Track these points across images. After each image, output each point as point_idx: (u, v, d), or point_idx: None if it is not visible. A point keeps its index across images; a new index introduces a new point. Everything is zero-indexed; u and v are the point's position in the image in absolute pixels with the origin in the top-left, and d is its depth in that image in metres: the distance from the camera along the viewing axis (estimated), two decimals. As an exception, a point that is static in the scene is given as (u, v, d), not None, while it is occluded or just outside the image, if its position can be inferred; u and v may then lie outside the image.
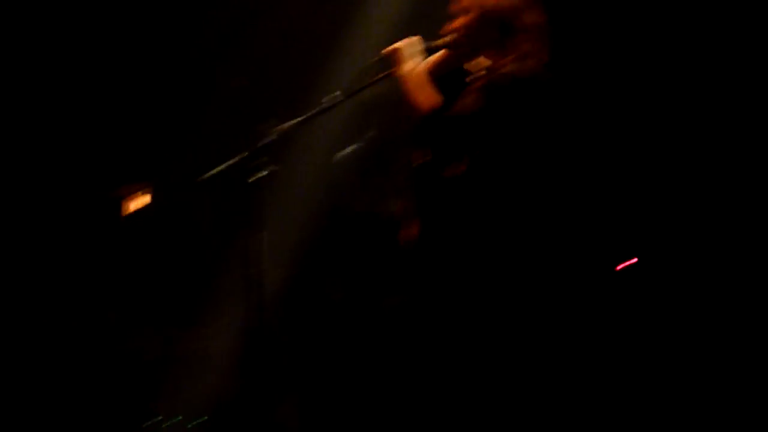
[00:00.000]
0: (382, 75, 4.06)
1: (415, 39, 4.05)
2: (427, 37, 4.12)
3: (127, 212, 8.08)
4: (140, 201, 8.23)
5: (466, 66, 4.06)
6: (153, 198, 8.15)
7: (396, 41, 4.06)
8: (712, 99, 6.25)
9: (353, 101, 4.18)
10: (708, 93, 6.26)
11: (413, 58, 4.00)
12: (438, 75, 4.01)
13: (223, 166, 4.10)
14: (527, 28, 3.92)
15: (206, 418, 6.96)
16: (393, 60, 4.01)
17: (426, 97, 3.88)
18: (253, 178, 4.04)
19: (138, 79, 7.69)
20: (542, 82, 3.82)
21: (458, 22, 4.03)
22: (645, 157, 6.42)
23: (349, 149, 5.49)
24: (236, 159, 4.11)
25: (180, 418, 6.96)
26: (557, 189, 3.86)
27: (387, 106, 5.01)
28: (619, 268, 6.41)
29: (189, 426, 6.94)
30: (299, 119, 4.13)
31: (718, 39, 6.21)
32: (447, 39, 4.06)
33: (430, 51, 4.06)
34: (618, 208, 6.45)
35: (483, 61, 4.01)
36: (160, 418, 6.94)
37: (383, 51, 4.05)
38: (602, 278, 6.30)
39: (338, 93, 4.10)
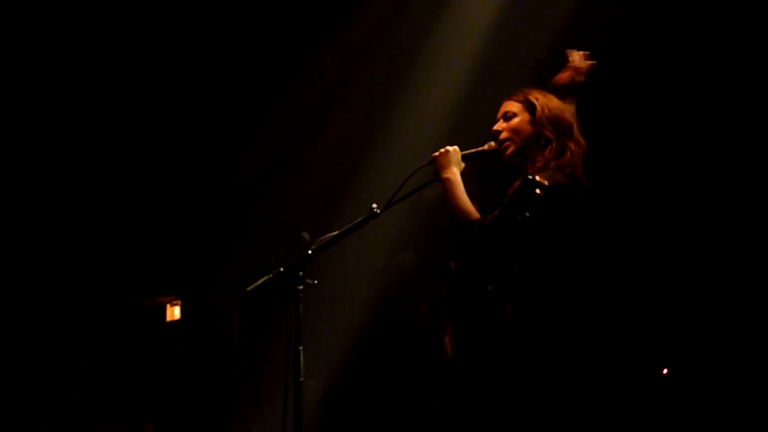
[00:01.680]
0: (430, 180, 4.08)
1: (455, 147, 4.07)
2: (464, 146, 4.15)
3: (167, 320, 8.14)
4: (172, 312, 8.29)
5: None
6: (185, 309, 8.20)
7: (438, 148, 4.08)
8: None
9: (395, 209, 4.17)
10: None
11: (458, 164, 4.03)
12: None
13: (262, 280, 4.10)
14: (575, 138, 4.00)
15: None
16: (441, 164, 4.03)
17: (469, 204, 3.92)
18: (292, 292, 4.06)
19: (175, 193, 7.84)
20: (583, 194, 3.85)
21: (505, 125, 4.08)
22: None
23: (406, 254, 5.48)
24: (274, 272, 4.11)
25: None
26: (591, 308, 3.86)
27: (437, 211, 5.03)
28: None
29: None
30: (336, 232, 4.13)
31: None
32: (491, 144, 4.10)
33: (468, 158, 4.09)
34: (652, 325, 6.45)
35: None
36: None
37: (434, 154, 4.06)
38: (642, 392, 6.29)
39: (374, 205, 4.08)
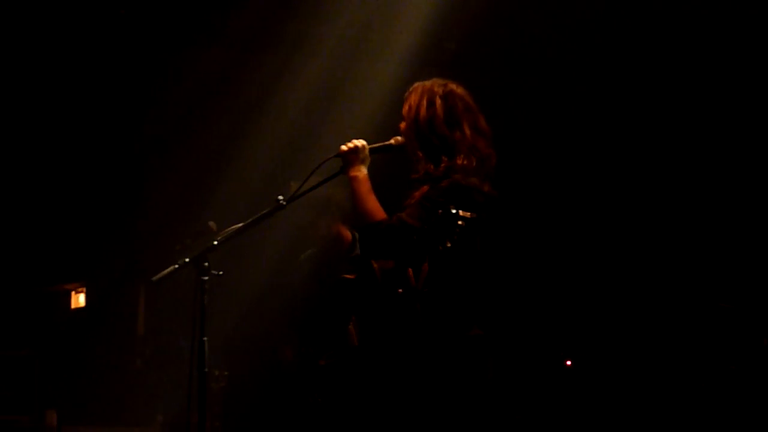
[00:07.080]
0: (336, 173, 4.02)
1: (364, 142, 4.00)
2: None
3: (72, 307, 8.09)
4: (77, 299, 8.24)
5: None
6: (89, 296, 8.15)
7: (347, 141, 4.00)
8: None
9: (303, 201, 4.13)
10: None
11: (366, 160, 3.98)
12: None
13: (167, 270, 4.08)
14: (481, 131, 3.96)
15: None
16: (349, 160, 3.96)
17: (376, 204, 3.90)
18: (197, 282, 4.06)
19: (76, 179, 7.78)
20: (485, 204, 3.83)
21: (402, 125, 4.05)
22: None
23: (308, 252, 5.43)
24: (180, 263, 4.09)
25: None
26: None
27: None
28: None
29: None
30: (242, 224, 4.07)
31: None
32: (398, 139, 4.06)
33: (375, 151, 4.05)
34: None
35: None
36: None
37: (342, 147, 3.99)
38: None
39: (280, 197, 4.03)
